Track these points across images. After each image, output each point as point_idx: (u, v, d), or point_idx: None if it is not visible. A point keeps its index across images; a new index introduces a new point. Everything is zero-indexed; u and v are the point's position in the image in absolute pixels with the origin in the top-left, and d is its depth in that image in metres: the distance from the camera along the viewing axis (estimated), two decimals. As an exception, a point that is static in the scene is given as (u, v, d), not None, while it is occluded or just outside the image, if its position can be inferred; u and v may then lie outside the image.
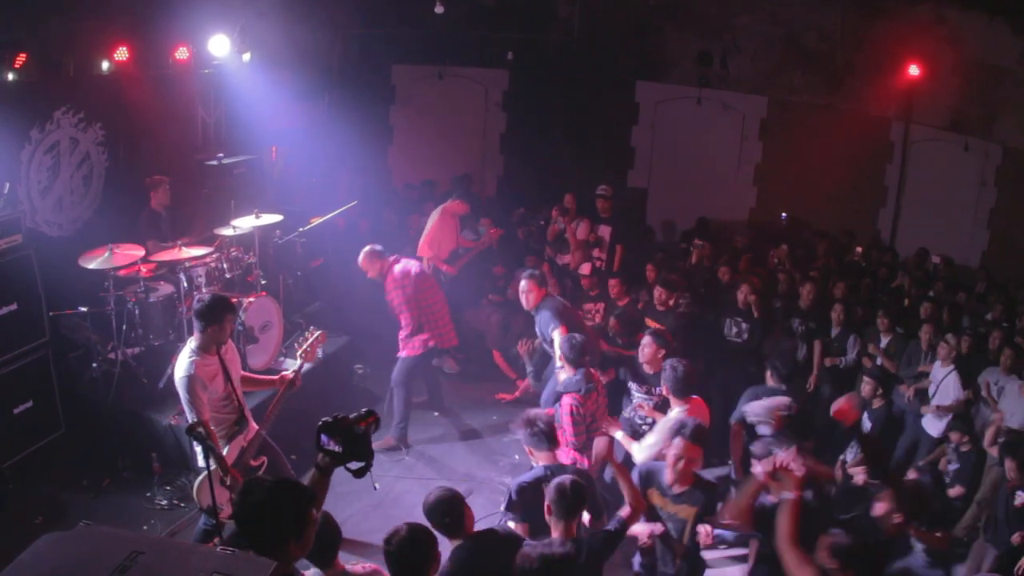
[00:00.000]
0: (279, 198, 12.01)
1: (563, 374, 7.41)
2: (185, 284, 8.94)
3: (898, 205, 13.95)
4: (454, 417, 10.27)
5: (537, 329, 8.65)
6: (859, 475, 7.14)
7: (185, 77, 11.39)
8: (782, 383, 8.34)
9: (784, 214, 14.35)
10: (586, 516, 5.71)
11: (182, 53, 10.91)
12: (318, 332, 7.15)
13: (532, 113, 15.85)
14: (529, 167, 15.75)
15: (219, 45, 11.13)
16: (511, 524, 5.72)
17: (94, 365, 8.91)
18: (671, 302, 9.90)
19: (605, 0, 15.38)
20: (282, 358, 9.57)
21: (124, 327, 8.75)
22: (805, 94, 14.17)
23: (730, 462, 8.29)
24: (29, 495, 7.99)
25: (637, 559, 6.19)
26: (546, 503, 5.26)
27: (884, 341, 9.94)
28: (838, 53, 13.70)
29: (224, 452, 6.36)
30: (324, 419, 4.17)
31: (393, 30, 15.09)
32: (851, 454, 8.28)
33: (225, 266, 9.42)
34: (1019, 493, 7.00)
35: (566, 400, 7.10)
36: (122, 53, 10.02)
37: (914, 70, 12.71)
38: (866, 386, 8.24)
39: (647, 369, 7.91)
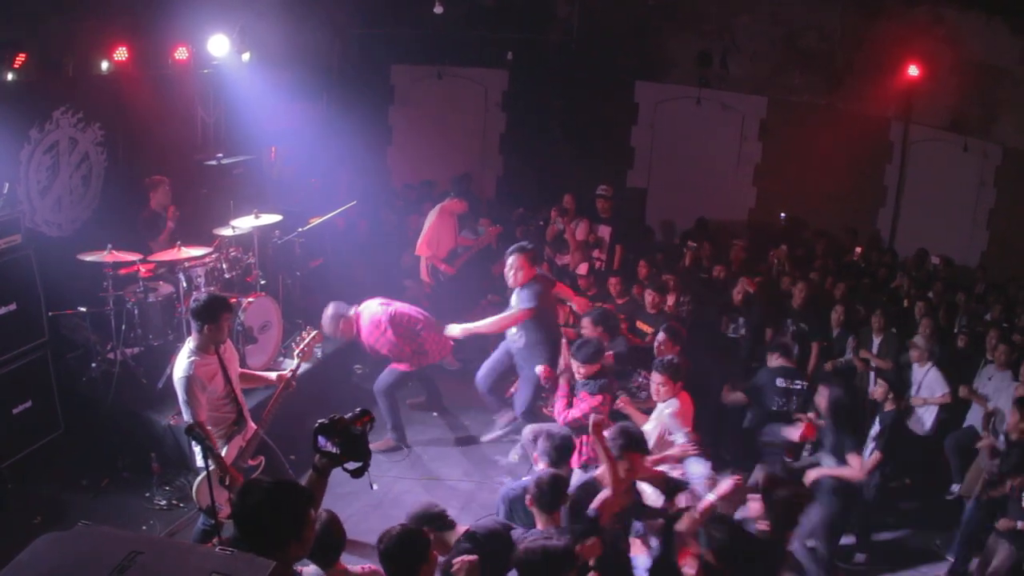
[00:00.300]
0: (278, 198, 12.00)
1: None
2: (184, 284, 8.93)
3: (897, 205, 13.95)
4: (452, 418, 10.25)
5: (520, 300, 8.53)
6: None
7: (184, 77, 11.38)
8: (790, 360, 8.58)
9: (783, 214, 14.35)
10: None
11: (181, 53, 10.90)
12: (314, 331, 7.16)
13: (531, 113, 15.85)
14: (528, 167, 15.76)
15: (218, 45, 11.12)
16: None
17: (93, 365, 8.91)
18: (672, 301, 9.94)
19: (604, 0, 15.38)
20: (281, 358, 9.57)
21: (123, 327, 8.75)
22: (804, 94, 14.18)
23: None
24: (28, 495, 7.98)
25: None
26: (527, 496, 5.50)
27: (876, 341, 9.98)
28: (837, 53, 13.71)
29: (223, 452, 6.36)
30: (321, 420, 4.18)
31: (392, 30, 15.10)
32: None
33: (224, 266, 9.42)
34: None
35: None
36: (121, 53, 10.01)
37: (913, 70, 12.72)
38: (879, 388, 8.25)
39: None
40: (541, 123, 15.87)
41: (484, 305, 11.76)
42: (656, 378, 7.24)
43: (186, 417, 6.26)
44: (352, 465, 4.23)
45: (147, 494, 8.11)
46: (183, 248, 9.00)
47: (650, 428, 7.12)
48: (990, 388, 8.96)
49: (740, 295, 10.32)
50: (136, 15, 10.34)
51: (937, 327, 9.90)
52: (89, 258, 8.50)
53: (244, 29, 11.56)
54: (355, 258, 12.40)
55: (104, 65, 10.03)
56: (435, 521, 5.38)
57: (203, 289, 8.86)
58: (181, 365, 6.32)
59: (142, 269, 8.81)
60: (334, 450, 4.16)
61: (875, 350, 9.93)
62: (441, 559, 4.92)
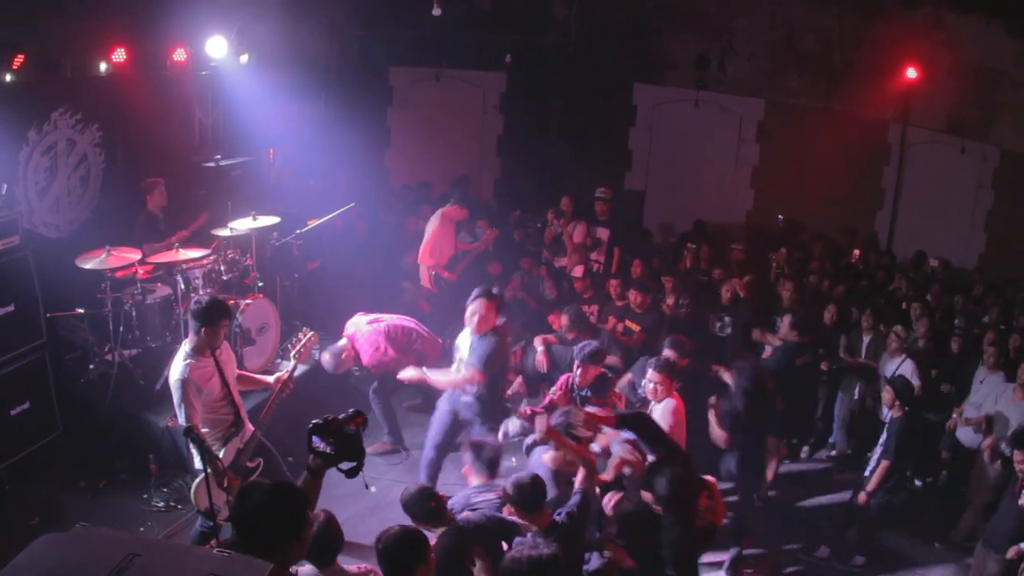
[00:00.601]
0: (276, 200, 11.99)
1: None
2: (182, 286, 8.94)
3: (895, 208, 13.95)
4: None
5: (473, 353, 7.78)
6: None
7: (183, 78, 11.38)
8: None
9: (781, 216, 14.35)
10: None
11: (180, 55, 10.90)
12: (311, 333, 7.15)
13: (529, 115, 15.85)
14: (526, 169, 15.74)
15: (217, 47, 11.12)
16: None
17: (91, 367, 8.93)
18: (671, 301, 9.97)
19: (602, 2, 15.37)
20: (279, 360, 9.57)
21: (121, 329, 8.77)
22: (803, 96, 14.18)
23: None
24: (26, 496, 8.00)
25: None
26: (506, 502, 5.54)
27: (865, 340, 10.04)
28: (836, 55, 13.71)
29: (220, 454, 6.36)
30: (315, 421, 4.19)
31: (391, 32, 15.08)
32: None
33: (222, 268, 9.43)
34: None
35: None
36: (120, 55, 10.01)
37: (912, 73, 12.71)
38: (887, 394, 8.27)
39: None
40: (539, 125, 15.88)
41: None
42: (654, 377, 7.23)
43: (181, 419, 6.27)
44: (346, 465, 4.24)
45: (145, 496, 8.12)
46: (181, 250, 9.00)
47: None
48: (982, 391, 8.93)
49: (728, 294, 10.39)
50: (134, 16, 10.34)
51: (934, 329, 9.91)
52: (87, 265, 8.50)
53: (242, 31, 11.56)
54: (353, 260, 12.40)
55: (102, 66, 10.03)
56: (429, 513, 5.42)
57: (201, 291, 8.87)
58: (177, 368, 6.32)
59: (140, 271, 8.80)
60: (328, 451, 4.17)
61: (864, 349, 9.98)
62: None
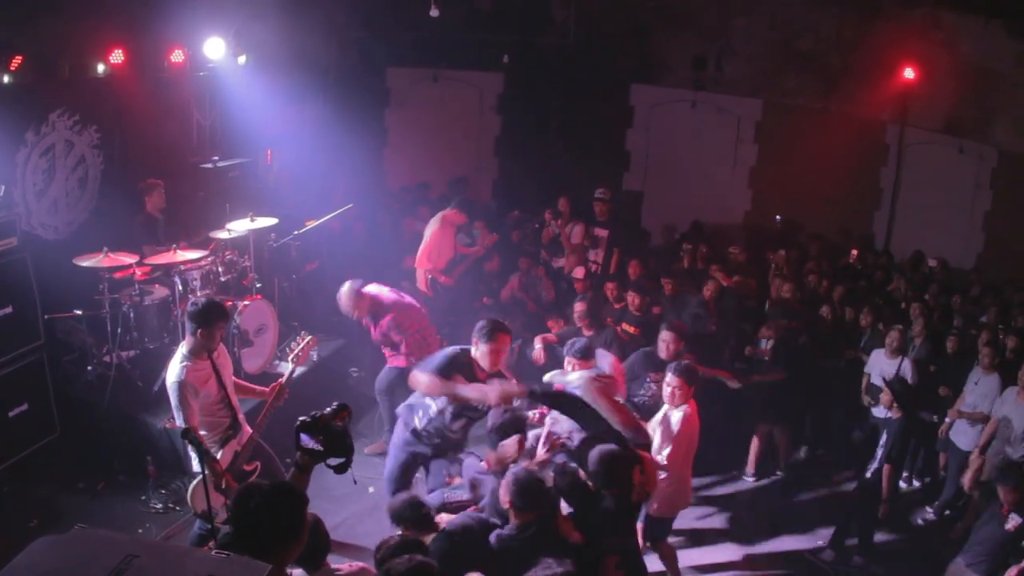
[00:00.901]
0: (274, 201, 12.00)
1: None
2: (180, 287, 8.94)
3: (893, 208, 13.97)
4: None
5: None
6: None
7: (180, 80, 11.36)
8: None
9: (779, 216, 14.36)
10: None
11: (177, 56, 10.89)
12: (309, 337, 7.15)
13: (527, 116, 15.86)
14: (524, 170, 15.75)
15: (214, 48, 11.11)
16: None
17: (89, 368, 8.92)
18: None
19: (600, 3, 15.39)
20: (277, 361, 9.57)
21: (119, 330, 8.77)
22: (800, 97, 14.20)
23: None
24: (24, 498, 7.98)
25: None
26: (508, 498, 5.46)
27: (863, 339, 10.06)
28: (834, 56, 13.72)
29: (218, 456, 6.36)
30: (302, 418, 4.20)
31: (388, 33, 15.08)
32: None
33: (220, 269, 9.43)
34: (1012, 516, 6.99)
35: None
36: (117, 56, 10.00)
37: (909, 73, 12.73)
38: (884, 396, 8.27)
39: (664, 356, 8.18)
40: (536, 126, 15.89)
41: (478, 308, 11.75)
42: (672, 380, 7.17)
43: (179, 421, 6.27)
44: (335, 461, 4.25)
45: (143, 497, 8.12)
46: (179, 251, 9.00)
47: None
48: (977, 392, 8.92)
49: (710, 292, 10.41)
50: (132, 18, 10.31)
51: (931, 329, 9.92)
52: (85, 263, 8.50)
53: (240, 32, 11.56)
54: (351, 261, 12.38)
55: (100, 68, 10.02)
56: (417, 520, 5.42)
57: (199, 292, 8.87)
58: (174, 369, 6.31)
59: (138, 272, 8.79)
60: (318, 448, 4.18)
61: (861, 347, 10.00)
62: None
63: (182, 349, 6.44)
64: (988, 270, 12.10)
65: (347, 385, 10.76)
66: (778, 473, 9.80)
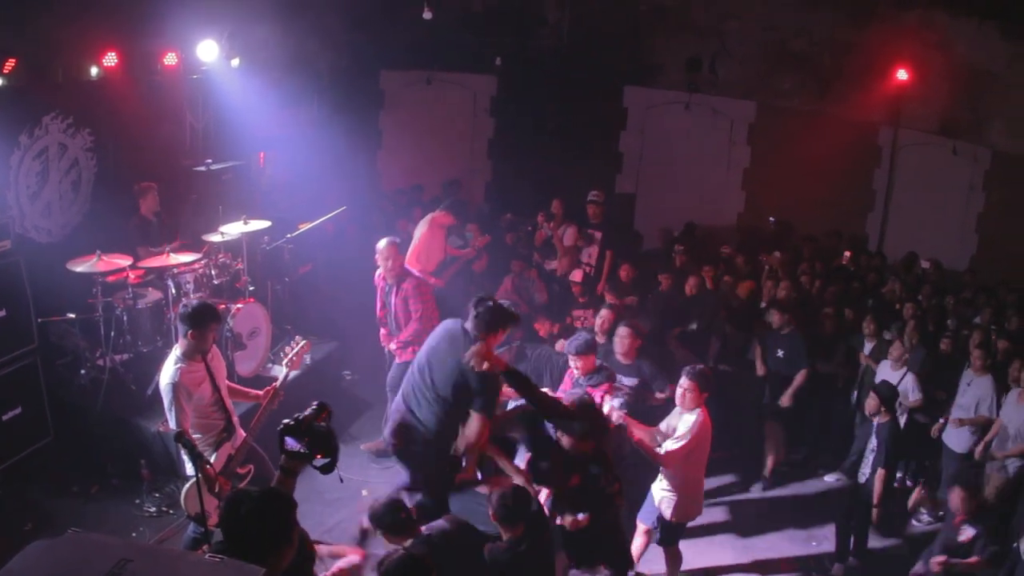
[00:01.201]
0: (267, 204, 11.99)
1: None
2: (173, 290, 8.93)
3: (886, 209, 14.00)
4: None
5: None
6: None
7: (174, 82, 11.35)
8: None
9: (772, 218, 14.37)
10: None
11: (171, 59, 10.87)
12: (303, 341, 7.13)
13: (520, 118, 15.84)
14: (517, 172, 15.75)
15: (208, 51, 11.10)
16: None
17: (82, 372, 8.91)
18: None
19: (594, 5, 15.40)
20: (270, 364, 9.55)
21: (112, 334, 8.76)
22: (794, 99, 14.22)
23: None
24: (18, 501, 7.96)
25: None
26: (491, 512, 5.52)
27: (868, 347, 10.01)
28: (827, 58, 13.74)
29: (212, 460, 6.35)
30: (285, 422, 4.19)
31: (382, 35, 15.07)
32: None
33: (213, 272, 9.42)
34: (965, 528, 7.02)
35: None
36: (111, 59, 9.98)
37: (903, 74, 12.75)
38: (871, 401, 8.24)
39: (622, 360, 8.14)
40: (530, 128, 15.87)
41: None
42: (685, 383, 7.09)
43: (172, 423, 6.26)
44: (320, 462, 4.25)
45: (137, 501, 8.10)
46: (172, 254, 9.00)
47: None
48: (969, 394, 8.92)
49: (693, 290, 10.40)
50: (125, 21, 10.30)
51: (924, 331, 9.92)
52: (79, 268, 8.48)
53: (233, 34, 11.54)
54: (345, 263, 12.37)
55: (93, 71, 9.99)
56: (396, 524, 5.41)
57: (192, 295, 8.86)
58: (167, 371, 6.31)
59: (131, 275, 8.79)
60: (303, 450, 4.18)
61: (870, 355, 9.97)
62: None
63: (176, 352, 6.43)
64: (982, 271, 12.11)
65: (340, 388, 10.76)
66: (767, 477, 9.79)
